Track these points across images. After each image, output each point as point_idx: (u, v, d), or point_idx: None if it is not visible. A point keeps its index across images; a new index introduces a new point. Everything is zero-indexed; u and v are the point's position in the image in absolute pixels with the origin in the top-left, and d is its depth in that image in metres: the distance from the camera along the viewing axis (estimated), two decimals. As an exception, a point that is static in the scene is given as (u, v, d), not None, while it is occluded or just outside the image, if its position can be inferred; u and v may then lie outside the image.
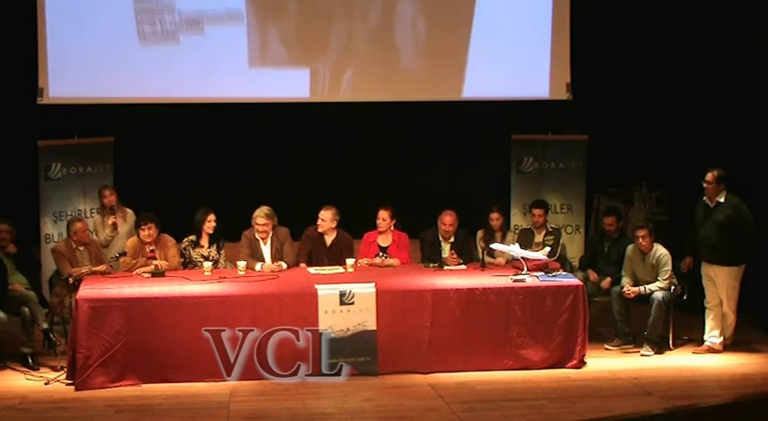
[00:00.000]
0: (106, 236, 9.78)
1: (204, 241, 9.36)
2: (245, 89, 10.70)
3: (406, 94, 10.93)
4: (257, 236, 9.29)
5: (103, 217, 9.90)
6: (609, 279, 9.54)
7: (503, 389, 8.24)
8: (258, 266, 9.13)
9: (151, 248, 9.15)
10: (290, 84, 10.75)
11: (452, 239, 9.58)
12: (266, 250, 9.33)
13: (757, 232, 9.26)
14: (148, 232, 9.15)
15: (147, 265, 9.01)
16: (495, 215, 9.88)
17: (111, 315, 8.24)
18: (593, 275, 9.73)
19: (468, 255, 9.56)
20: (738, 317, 9.34)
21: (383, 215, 9.54)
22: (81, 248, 9.24)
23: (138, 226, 9.22)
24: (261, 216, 9.25)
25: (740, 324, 9.51)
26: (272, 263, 9.21)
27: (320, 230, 9.40)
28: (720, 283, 9.25)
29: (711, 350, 9.23)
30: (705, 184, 9.22)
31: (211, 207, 9.42)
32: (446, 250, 9.56)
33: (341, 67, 10.85)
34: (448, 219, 9.55)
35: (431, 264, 9.31)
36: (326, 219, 9.37)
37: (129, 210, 9.94)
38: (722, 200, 9.20)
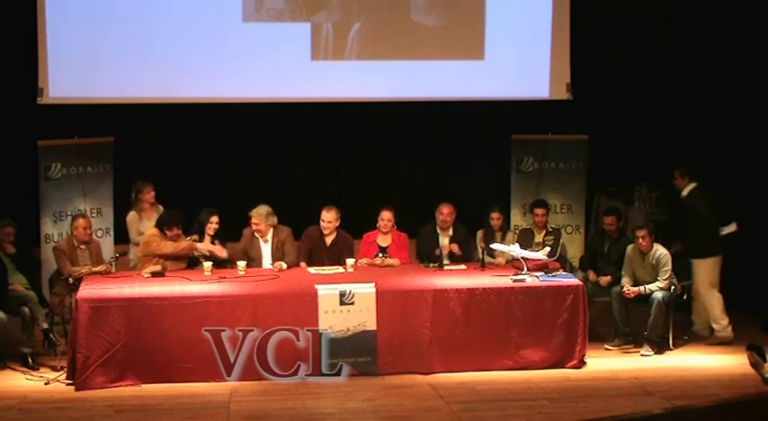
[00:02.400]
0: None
1: (207, 241, 9.39)
2: (241, 47, 10.65)
3: (420, 54, 10.85)
4: (255, 234, 9.31)
5: (141, 213, 9.79)
6: (609, 277, 9.55)
7: (503, 389, 8.24)
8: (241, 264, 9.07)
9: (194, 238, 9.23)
10: (289, 42, 10.69)
11: (451, 232, 9.59)
12: (266, 249, 9.34)
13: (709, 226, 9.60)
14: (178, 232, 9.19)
15: (155, 265, 9.01)
16: (495, 215, 9.89)
17: (111, 315, 8.24)
18: (592, 275, 9.74)
19: (468, 255, 9.56)
20: (738, 316, 9.37)
21: (387, 216, 9.54)
22: (82, 247, 9.25)
23: (168, 223, 9.16)
24: (255, 214, 9.27)
25: (740, 324, 9.52)
26: (273, 262, 9.23)
27: (325, 232, 9.40)
28: (695, 275, 9.56)
29: (700, 336, 9.58)
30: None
31: (216, 208, 9.45)
32: (444, 241, 9.55)
33: (345, 21, 10.74)
34: (446, 210, 9.58)
35: (431, 264, 9.31)
36: (332, 221, 9.37)
37: (160, 207, 9.95)
38: (685, 193, 9.63)
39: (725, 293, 9.83)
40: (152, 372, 8.32)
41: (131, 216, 9.86)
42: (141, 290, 8.47)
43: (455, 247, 9.47)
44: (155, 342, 8.30)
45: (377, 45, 10.89)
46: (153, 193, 9.87)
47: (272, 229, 9.33)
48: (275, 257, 9.29)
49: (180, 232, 9.19)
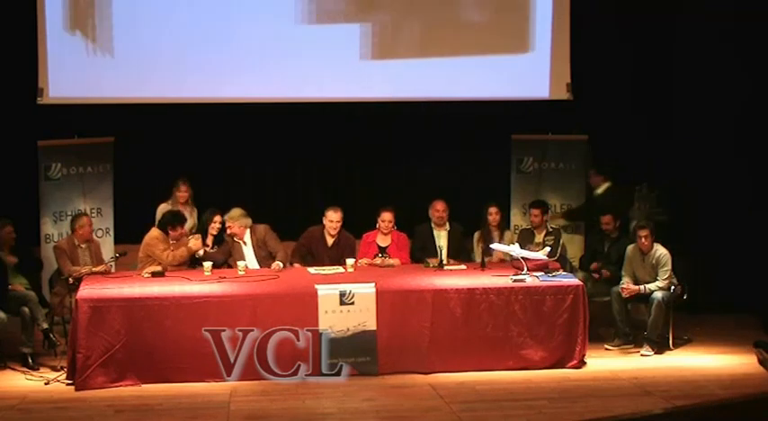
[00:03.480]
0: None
1: (209, 241, 9.40)
2: (241, 49, 10.64)
3: (420, 54, 10.89)
4: (234, 238, 9.33)
5: (173, 207, 9.81)
6: (608, 272, 9.59)
7: (503, 389, 8.24)
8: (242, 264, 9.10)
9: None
10: (343, 42, 10.75)
11: (448, 227, 9.59)
12: (248, 250, 9.36)
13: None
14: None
15: (156, 266, 9.00)
16: (493, 209, 9.88)
17: (111, 315, 8.24)
18: (594, 266, 9.75)
19: (466, 255, 9.56)
20: (738, 316, 9.38)
21: (388, 217, 9.54)
22: (83, 246, 9.27)
23: (172, 223, 9.20)
24: (227, 218, 9.36)
25: (740, 324, 9.51)
26: (258, 261, 9.28)
27: (333, 232, 9.41)
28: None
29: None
30: None
31: (218, 208, 9.46)
32: (440, 239, 9.55)
33: (399, 21, 10.79)
34: (440, 206, 9.63)
35: (431, 264, 9.31)
36: (339, 221, 9.39)
37: (195, 209, 10.00)
38: (599, 191, 10.34)
39: (725, 293, 9.84)
40: (152, 372, 8.32)
41: (162, 207, 9.92)
42: (141, 290, 8.47)
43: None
44: (155, 342, 8.30)
45: (377, 46, 10.89)
46: (185, 193, 9.96)
47: (248, 230, 9.35)
48: (259, 256, 9.31)
49: (183, 232, 9.21)
